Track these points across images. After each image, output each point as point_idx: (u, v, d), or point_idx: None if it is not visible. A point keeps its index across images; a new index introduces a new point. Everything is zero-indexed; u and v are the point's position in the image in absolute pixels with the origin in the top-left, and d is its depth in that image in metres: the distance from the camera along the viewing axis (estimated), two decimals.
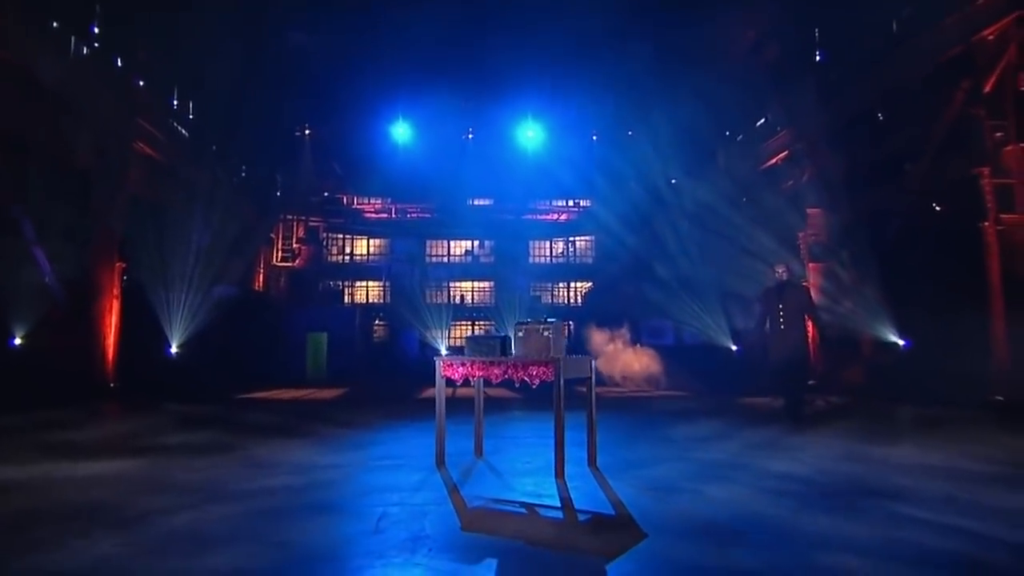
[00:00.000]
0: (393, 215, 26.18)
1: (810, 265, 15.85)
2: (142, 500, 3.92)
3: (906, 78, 12.35)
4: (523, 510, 3.72)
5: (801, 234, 16.16)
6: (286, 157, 22.21)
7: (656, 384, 15.51)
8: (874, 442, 6.01)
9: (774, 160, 17.49)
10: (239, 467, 5.02)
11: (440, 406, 5.08)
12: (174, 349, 15.58)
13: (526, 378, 4.73)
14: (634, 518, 3.49)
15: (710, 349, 17.59)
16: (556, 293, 27.40)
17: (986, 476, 4.43)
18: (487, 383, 5.08)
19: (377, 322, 25.49)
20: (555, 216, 26.85)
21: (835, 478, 4.45)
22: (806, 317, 7.44)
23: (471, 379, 5.01)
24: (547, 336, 4.82)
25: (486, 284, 26.94)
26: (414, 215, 26.06)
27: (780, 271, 7.55)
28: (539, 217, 26.44)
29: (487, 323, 25.89)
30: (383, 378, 19.75)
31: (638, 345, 18.01)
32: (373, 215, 26.37)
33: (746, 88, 17.35)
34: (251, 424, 8.21)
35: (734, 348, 17.45)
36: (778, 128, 17.18)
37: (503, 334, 5.05)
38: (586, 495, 4.05)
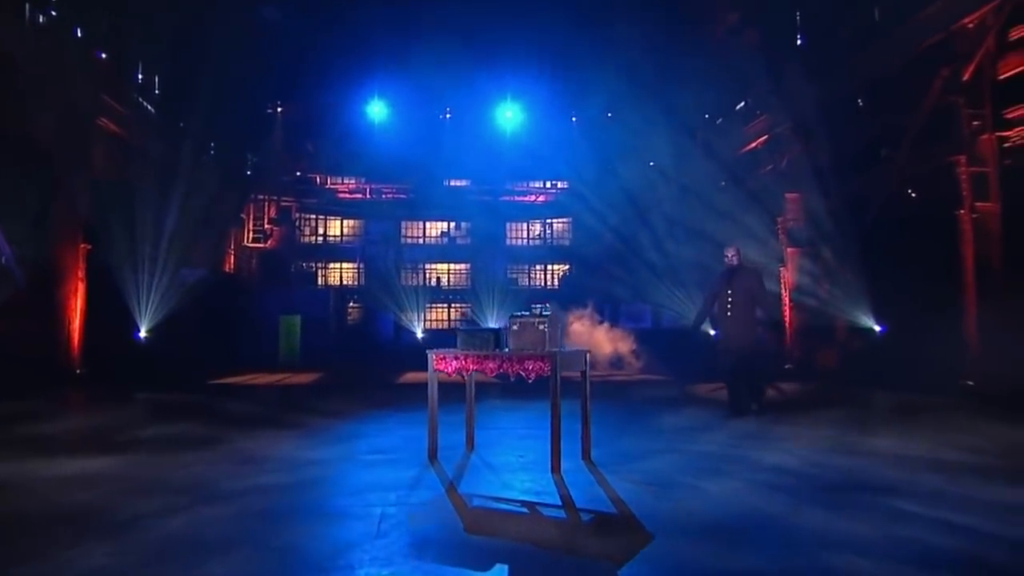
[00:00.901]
0: (368, 195, 25.86)
1: (788, 250, 16.09)
2: (131, 502, 3.82)
3: (886, 65, 12.48)
4: (524, 510, 3.72)
5: (780, 219, 16.38)
6: (257, 135, 21.68)
7: (632, 367, 15.65)
8: (859, 432, 6.14)
9: (754, 144, 17.61)
10: (227, 463, 4.93)
11: (432, 400, 5.04)
12: (143, 333, 15.24)
13: (522, 372, 4.70)
14: (637, 517, 3.51)
15: (688, 333, 17.80)
16: (534, 276, 27.41)
17: (973, 468, 4.56)
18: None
19: (351, 305, 25.26)
20: (533, 198, 26.77)
21: (827, 471, 4.53)
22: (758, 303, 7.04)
23: (464, 373, 4.97)
24: (542, 329, 4.79)
25: (463, 266, 26.85)
26: (389, 196, 25.77)
27: (730, 254, 7.15)
28: (517, 199, 26.35)
29: (464, 306, 25.84)
30: (358, 362, 19.62)
31: (605, 324, 18.10)
32: (347, 195, 26.01)
33: (726, 71, 17.39)
34: (232, 414, 8.08)
35: (712, 333, 17.69)
36: (758, 112, 17.29)
37: (497, 326, 5.01)
38: (585, 492, 4.06)
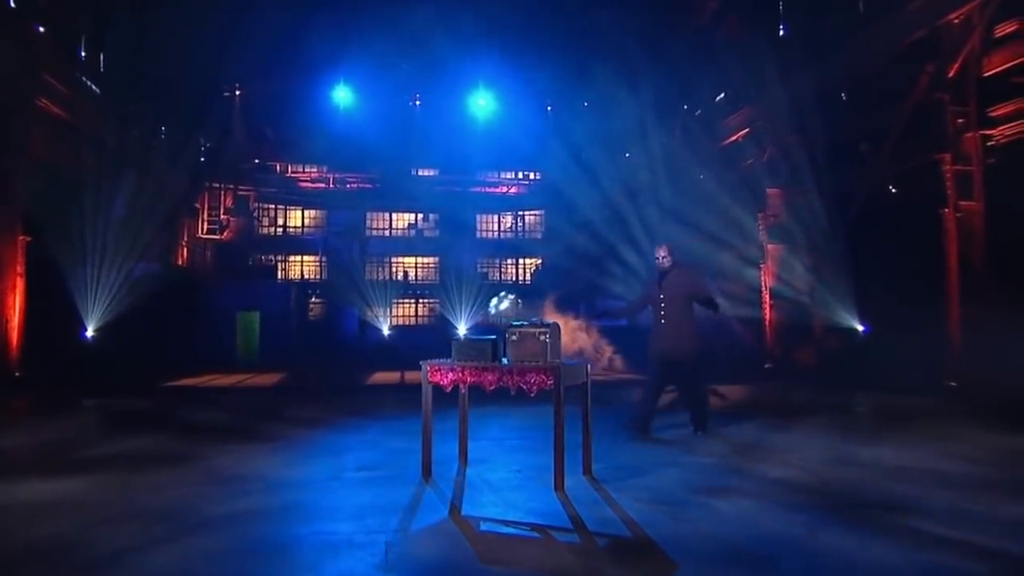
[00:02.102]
0: (331, 185, 25.47)
1: (769, 246, 16.36)
2: (107, 533, 3.65)
3: (871, 59, 12.72)
4: (536, 534, 3.67)
5: (760, 214, 16.62)
6: (212, 119, 21.08)
7: (603, 362, 15.72)
8: (855, 441, 6.26)
9: (734, 137, 17.82)
10: (204, 484, 4.76)
11: (426, 415, 4.95)
12: (90, 332, 14.73)
13: (523, 386, 4.65)
14: (655, 541, 3.49)
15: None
16: (505, 270, 27.36)
17: (980, 481, 4.68)
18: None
19: (313, 300, 24.89)
20: (504, 189, 26.69)
21: (835, 486, 4.60)
22: (697, 304, 6.35)
23: (461, 385, 4.89)
24: (544, 340, 4.74)
25: (431, 260, 26.67)
26: (354, 185, 25.41)
27: (661, 255, 6.41)
28: (487, 190, 26.26)
29: (432, 301, 25.66)
30: (321, 361, 19.34)
31: (579, 320, 18.16)
32: (309, 184, 25.57)
33: (706, 61, 17.54)
34: (197, 424, 7.85)
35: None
36: (740, 104, 17.48)
37: (493, 336, 4.93)
38: (594, 512, 4.03)
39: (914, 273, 11.53)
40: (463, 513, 4.06)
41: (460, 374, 4.83)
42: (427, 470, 4.95)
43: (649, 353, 6.53)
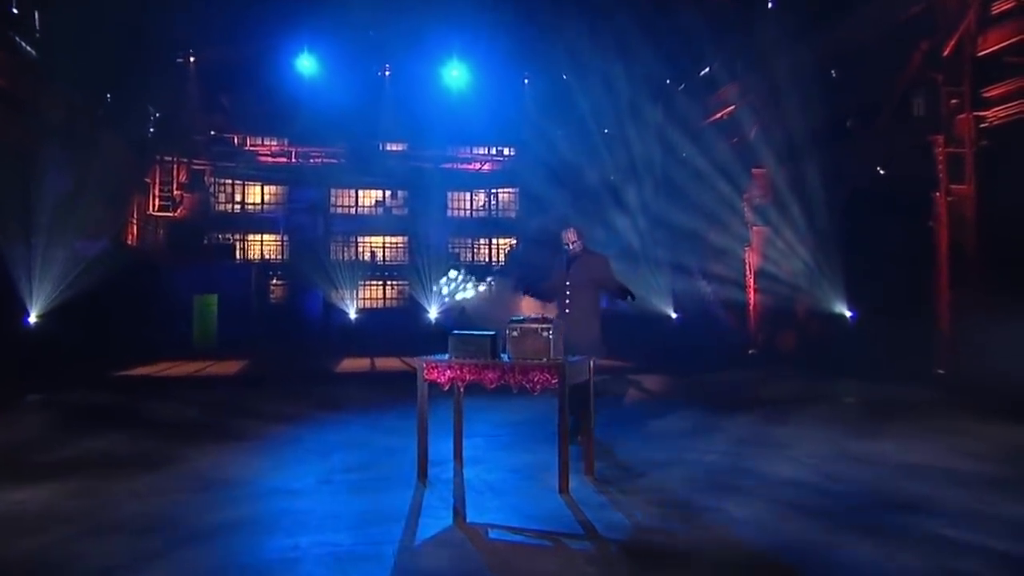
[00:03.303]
0: (293, 159, 25.04)
1: (754, 228, 16.58)
2: (93, 548, 3.55)
3: (864, 34, 12.85)
4: (547, 543, 3.69)
5: (746, 194, 16.81)
6: (164, 86, 20.42)
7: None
8: (854, 434, 6.41)
9: (720, 114, 17.94)
10: (185, 491, 4.67)
11: (422, 414, 4.92)
12: (33, 318, 14.29)
13: (526, 384, 4.64)
14: (673, 550, 3.54)
15: (647, 317, 18.17)
16: (477, 250, 27.28)
17: (990, 479, 4.83)
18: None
19: (275, 282, 24.55)
20: (477, 166, 26.54)
21: (847, 486, 4.70)
22: (610, 294, 6.04)
23: (459, 384, 4.87)
24: (547, 336, 4.73)
25: (399, 239, 26.47)
26: (317, 160, 25.03)
27: (571, 240, 5.96)
28: (460, 166, 26.05)
29: (401, 283, 25.49)
30: (284, 347, 19.12)
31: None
32: (269, 159, 25.11)
33: (692, 33, 17.55)
34: (164, 421, 7.70)
35: (674, 316, 18.12)
36: (725, 79, 17.56)
37: (492, 331, 4.91)
38: (603, 517, 4.06)
39: (904, 258, 11.79)
40: (468, 520, 4.06)
41: (459, 372, 4.81)
42: (423, 472, 4.93)
43: None
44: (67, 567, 3.32)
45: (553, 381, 4.60)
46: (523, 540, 3.74)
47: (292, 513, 4.16)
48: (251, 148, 25.11)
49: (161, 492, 4.62)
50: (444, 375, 4.85)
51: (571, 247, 6.00)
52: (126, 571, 3.26)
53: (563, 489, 4.56)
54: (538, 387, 4.63)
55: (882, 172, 12.86)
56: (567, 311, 5.89)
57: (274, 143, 25.41)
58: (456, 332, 4.97)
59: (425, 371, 4.91)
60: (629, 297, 5.79)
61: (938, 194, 11.42)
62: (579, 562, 3.42)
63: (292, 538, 3.71)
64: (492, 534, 3.80)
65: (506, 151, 26.15)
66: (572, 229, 6.05)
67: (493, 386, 4.71)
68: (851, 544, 3.57)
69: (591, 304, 5.95)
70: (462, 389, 5.05)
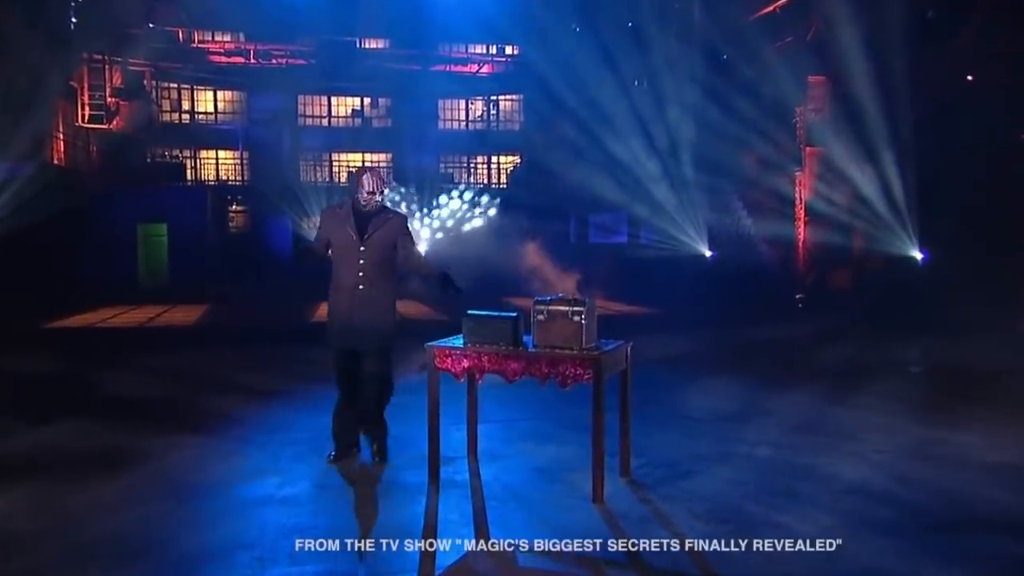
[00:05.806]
0: (252, 59, 24.76)
1: (807, 148, 16.43)
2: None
3: None
4: (589, 572, 3.81)
5: (799, 108, 16.60)
6: None
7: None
8: (930, 421, 6.44)
9: (770, 8, 17.53)
10: (164, 500, 4.66)
11: (433, 408, 4.98)
12: None
13: (556, 377, 4.68)
14: None
15: (676, 257, 18.26)
16: (474, 170, 27.16)
17: None
18: None
19: (234, 208, 24.52)
20: (474, 68, 26.19)
21: (924, 494, 4.74)
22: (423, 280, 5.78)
23: (477, 374, 4.92)
24: (579, 321, 4.74)
25: (381, 157, 26.43)
26: (282, 60, 24.79)
27: (366, 189, 5.29)
28: (453, 68, 25.74)
29: None
30: (249, 287, 19.23)
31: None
32: (223, 58, 24.84)
33: None
34: (123, 398, 7.72)
35: (708, 254, 18.19)
36: None
37: (515, 314, 4.92)
38: (648, 533, 4.04)
39: (992, 188, 11.70)
40: (492, 536, 4.17)
41: (477, 361, 4.81)
42: (434, 474, 5.01)
43: (329, 328, 5.43)
44: None
45: (587, 376, 4.64)
46: (555, 568, 3.85)
47: (290, 531, 4.23)
48: (200, 45, 24.74)
49: (134, 503, 4.64)
50: (459, 365, 4.84)
51: (366, 200, 5.36)
52: None
53: (597, 498, 4.64)
54: (569, 381, 4.67)
55: (971, 80, 12.64)
56: (360, 287, 5.34)
57: (228, 39, 25.07)
58: (471, 312, 4.97)
59: (436, 359, 4.93)
60: (453, 290, 5.21)
61: None
62: None
63: (305, 566, 3.79)
64: (522, 560, 3.91)
65: (509, 50, 25.69)
66: (372, 174, 5.47)
67: (514, 378, 4.75)
68: None
69: (388, 279, 5.48)
70: (479, 380, 5.11)
